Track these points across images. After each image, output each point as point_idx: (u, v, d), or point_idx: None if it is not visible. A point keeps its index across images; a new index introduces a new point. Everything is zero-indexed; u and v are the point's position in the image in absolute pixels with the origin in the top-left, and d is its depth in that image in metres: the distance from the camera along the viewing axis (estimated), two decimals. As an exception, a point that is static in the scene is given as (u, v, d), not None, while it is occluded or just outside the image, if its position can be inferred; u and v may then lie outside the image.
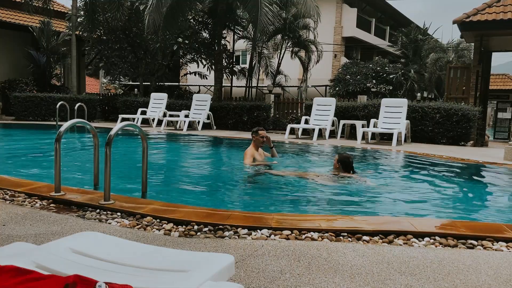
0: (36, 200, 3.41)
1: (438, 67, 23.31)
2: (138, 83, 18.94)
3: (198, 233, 2.72)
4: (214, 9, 15.03)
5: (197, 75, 19.56)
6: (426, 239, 2.70)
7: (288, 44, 19.34)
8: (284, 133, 11.42)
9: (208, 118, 13.48)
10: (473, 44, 12.94)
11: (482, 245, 2.62)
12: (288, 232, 2.73)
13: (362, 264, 2.25)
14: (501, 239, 2.70)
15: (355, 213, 3.77)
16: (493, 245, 2.63)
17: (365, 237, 2.69)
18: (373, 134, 10.52)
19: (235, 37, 18.46)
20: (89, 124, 4.01)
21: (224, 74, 16.96)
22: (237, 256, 2.30)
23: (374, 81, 18.48)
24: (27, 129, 11.97)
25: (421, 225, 2.90)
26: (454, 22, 11.57)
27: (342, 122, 11.41)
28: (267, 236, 2.68)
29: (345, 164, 5.32)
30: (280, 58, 19.60)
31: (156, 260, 1.38)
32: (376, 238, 2.70)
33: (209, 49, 16.46)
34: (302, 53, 20.14)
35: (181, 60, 19.66)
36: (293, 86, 23.27)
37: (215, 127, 13.70)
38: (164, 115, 13.61)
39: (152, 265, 1.33)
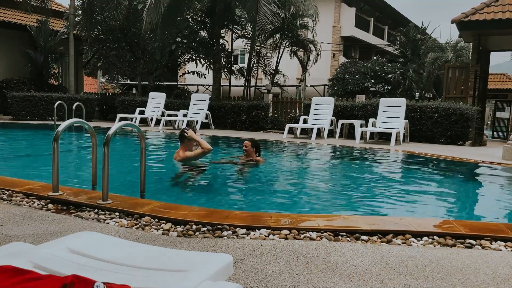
0: (34, 200, 3.39)
1: (437, 67, 23.32)
2: (136, 82, 18.93)
3: (197, 233, 2.71)
4: (213, 8, 15.02)
5: (195, 75, 19.56)
6: (425, 238, 2.70)
7: (287, 44, 19.33)
8: (283, 133, 11.43)
9: (206, 117, 13.48)
10: (471, 43, 12.96)
11: (480, 245, 2.62)
12: (287, 231, 2.73)
13: (361, 264, 2.25)
14: (500, 238, 2.70)
15: (353, 213, 3.77)
16: (491, 244, 2.63)
17: (363, 237, 2.69)
18: (372, 133, 10.53)
19: (234, 36, 18.46)
20: (87, 123, 4.00)
21: (222, 74, 16.95)
22: (236, 256, 2.29)
23: (372, 80, 18.50)
24: (25, 129, 11.93)
25: (419, 224, 2.90)
26: (452, 22, 11.58)
27: (340, 121, 11.41)
28: (265, 236, 2.67)
29: (258, 147, 6.13)
30: (279, 58, 19.60)
31: (154, 260, 1.37)
32: (374, 237, 2.70)
33: (207, 48, 16.45)
34: (301, 53, 20.14)
35: (179, 60, 19.65)
36: (291, 86, 23.27)
37: (213, 127, 13.71)
38: (163, 115, 13.60)
39: (151, 265, 1.32)
